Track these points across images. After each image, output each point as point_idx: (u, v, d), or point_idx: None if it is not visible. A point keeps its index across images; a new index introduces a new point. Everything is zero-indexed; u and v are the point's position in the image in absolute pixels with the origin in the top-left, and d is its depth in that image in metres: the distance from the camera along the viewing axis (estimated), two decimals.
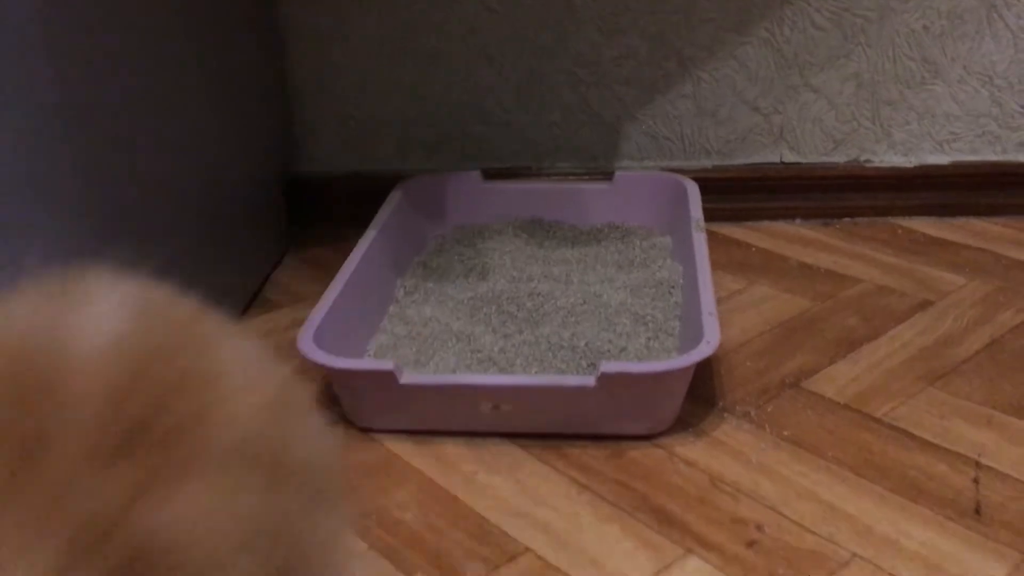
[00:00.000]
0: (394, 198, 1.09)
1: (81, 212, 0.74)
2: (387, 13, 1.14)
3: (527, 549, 0.68)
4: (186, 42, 0.90)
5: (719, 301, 1.00)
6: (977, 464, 0.74)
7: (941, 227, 1.13)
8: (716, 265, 1.07)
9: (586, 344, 0.87)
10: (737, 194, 1.17)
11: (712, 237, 1.15)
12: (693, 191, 1.07)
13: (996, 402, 0.81)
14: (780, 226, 1.16)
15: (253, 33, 1.09)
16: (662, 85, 1.15)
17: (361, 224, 1.02)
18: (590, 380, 0.75)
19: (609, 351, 0.86)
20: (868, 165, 1.16)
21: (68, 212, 0.73)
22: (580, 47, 1.14)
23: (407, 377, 0.77)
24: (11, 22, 0.67)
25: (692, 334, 0.81)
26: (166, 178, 0.86)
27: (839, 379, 0.85)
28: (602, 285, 0.98)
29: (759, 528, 0.69)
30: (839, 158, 1.17)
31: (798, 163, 1.17)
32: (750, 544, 0.67)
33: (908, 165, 1.16)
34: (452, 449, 0.79)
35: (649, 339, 0.88)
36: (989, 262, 1.05)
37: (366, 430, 0.82)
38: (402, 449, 0.79)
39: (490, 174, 1.17)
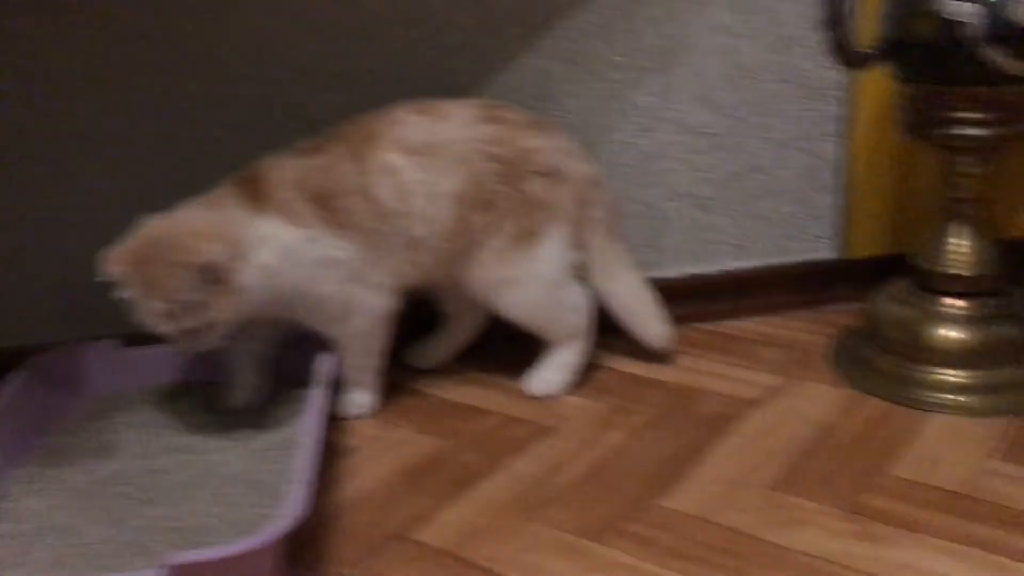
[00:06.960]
0: (17, 379, 1.04)
1: None
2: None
3: None
4: None
5: (355, 449, 1.02)
6: None
7: None
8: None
9: (194, 523, 0.86)
10: None
11: None
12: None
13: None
14: None
15: None
16: None
17: None
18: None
19: (217, 527, 0.85)
20: None
21: None
22: None
23: None
24: None
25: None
26: None
27: (447, 524, 0.88)
28: (227, 452, 0.98)
29: None
30: None
31: None
32: None
33: None
34: None
35: (264, 507, 0.88)
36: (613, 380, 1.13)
37: None
38: None
39: (134, 339, 1.14)
